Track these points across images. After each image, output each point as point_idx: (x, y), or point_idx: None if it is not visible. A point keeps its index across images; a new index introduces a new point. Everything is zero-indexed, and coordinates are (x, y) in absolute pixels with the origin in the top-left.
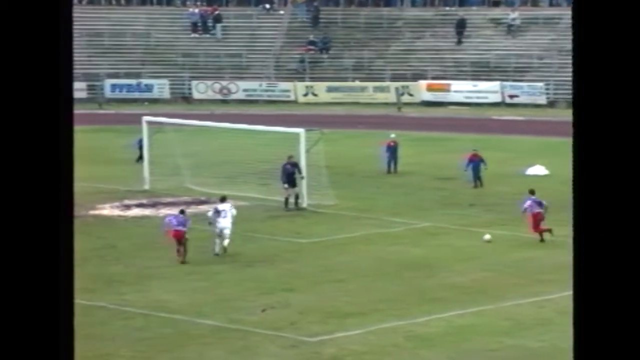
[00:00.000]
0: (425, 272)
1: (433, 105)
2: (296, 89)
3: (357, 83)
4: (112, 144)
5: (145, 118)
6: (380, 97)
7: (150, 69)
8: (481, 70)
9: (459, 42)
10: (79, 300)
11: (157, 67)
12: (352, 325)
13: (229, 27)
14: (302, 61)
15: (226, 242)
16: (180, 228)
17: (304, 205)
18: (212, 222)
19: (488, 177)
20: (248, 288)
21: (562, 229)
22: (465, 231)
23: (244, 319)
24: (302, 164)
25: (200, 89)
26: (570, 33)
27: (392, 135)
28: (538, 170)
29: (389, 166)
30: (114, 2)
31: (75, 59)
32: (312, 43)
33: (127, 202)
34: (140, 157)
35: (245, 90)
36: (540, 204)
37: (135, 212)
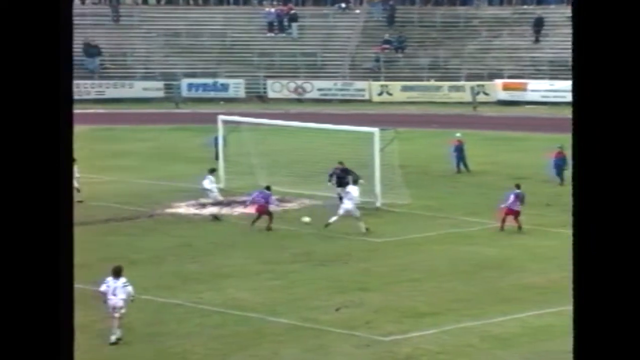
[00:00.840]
0: (501, 272)
1: (509, 104)
2: (371, 88)
3: (432, 82)
4: (188, 143)
5: (221, 117)
6: (456, 96)
7: (226, 68)
8: (559, 69)
9: (537, 41)
10: (156, 297)
11: (233, 67)
12: (427, 325)
13: (305, 26)
14: (377, 60)
15: None
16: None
17: (378, 204)
18: None
19: (565, 177)
20: (322, 287)
21: None
22: (540, 231)
23: (318, 318)
24: (376, 163)
25: (276, 88)
26: None
27: (458, 135)
28: None
29: (457, 166)
30: (191, 2)
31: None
32: (387, 42)
33: (202, 200)
34: (218, 156)
35: (320, 89)
36: (521, 199)
37: (211, 210)
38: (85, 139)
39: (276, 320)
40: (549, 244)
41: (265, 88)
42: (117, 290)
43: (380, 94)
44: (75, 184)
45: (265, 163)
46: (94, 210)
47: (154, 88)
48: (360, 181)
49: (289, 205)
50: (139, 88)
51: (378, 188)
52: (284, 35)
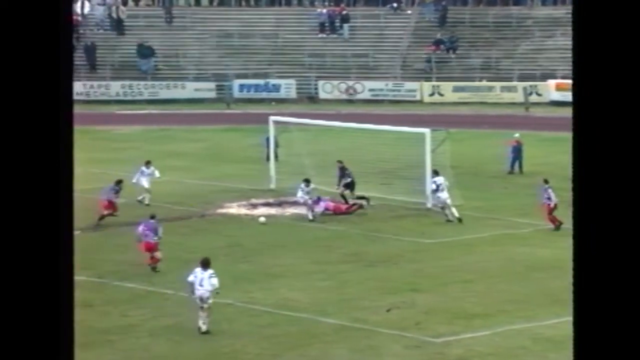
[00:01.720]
0: (554, 274)
1: (562, 105)
2: (422, 89)
3: (484, 83)
4: (240, 143)
5: (272, 118)
6: (508, 97)
7: (278, 69)
8: None
9: None
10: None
11: (284, 67)
12: (478, 327)
13: (356, 27)
14: (428, 61)
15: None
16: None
17: (429, 205)
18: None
19: None
20: (372, 287)
21: None
22: None
23: (368, 319)
24: (427, 164)
25: (327, 89)
26: None
27: (516, 135)
28: None
29: (512, 166)
30: (243, 3)
31: (205, 59)
32: (439, 42)
33: (253, 201)
34: (269, 156)
35: (371, 90)
36: (547, 195)
37: (262, 211)
38: (139, 139)
39: (326, 321)
40: None
41: (316, 89)
42: (204, 281)
43: (432, 94)
44: (146, 184)
45: (315, 163)
46: (146, 210)
47: (205, 89)
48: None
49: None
50: (191, 89)
51: (429, 189)
52: (335, 36)
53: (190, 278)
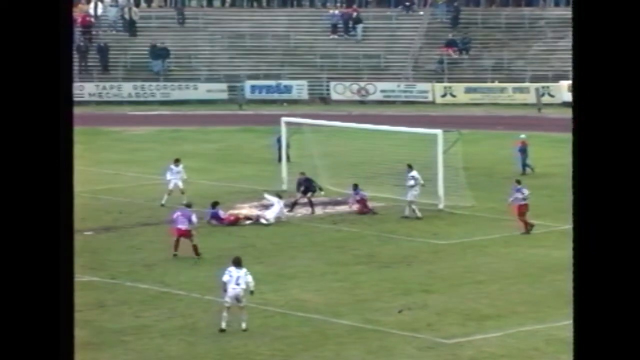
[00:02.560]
0: (567, 275)
1: None
2: (434, 90)
3: (497, 84)
4: (252, 144)
5: (284, 119)
6: (520, 98)
7: (290, 70)
8: None
9: None
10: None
11: (296, 69)
12: (490, 328)
13: (368, 28)
14: (440, 62)
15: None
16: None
17: (440, 206)
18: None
19: None
20: (385, 289)
21: None
22: None
23: (380, 320)
24: (439, 165)
25: (338, 90)
26: None
27: (522, 136)
28: None
29: (523, 167)
30: (255, 4)
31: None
32: (451, 43)
33: (265, 202)
34: (280, 157)
35: (382, 91)
36: (523, 195)
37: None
38: (151, 140)
39: (339, 322)
40: None
41: (328, 90)
42: (240, 280)
43: (444, 95)
44: (181, 184)
45: (327, 164)
46: (160, 211)
47: (217, 90)
48: (322, 193)
49: (354, 207)
50: (203, 90)
51: (441, 190)
52: (347, 37)
53: (225, 277)
